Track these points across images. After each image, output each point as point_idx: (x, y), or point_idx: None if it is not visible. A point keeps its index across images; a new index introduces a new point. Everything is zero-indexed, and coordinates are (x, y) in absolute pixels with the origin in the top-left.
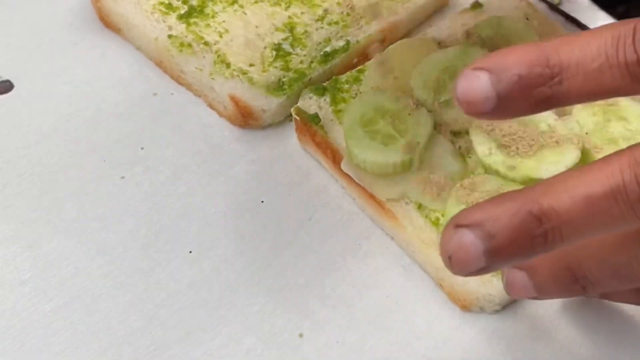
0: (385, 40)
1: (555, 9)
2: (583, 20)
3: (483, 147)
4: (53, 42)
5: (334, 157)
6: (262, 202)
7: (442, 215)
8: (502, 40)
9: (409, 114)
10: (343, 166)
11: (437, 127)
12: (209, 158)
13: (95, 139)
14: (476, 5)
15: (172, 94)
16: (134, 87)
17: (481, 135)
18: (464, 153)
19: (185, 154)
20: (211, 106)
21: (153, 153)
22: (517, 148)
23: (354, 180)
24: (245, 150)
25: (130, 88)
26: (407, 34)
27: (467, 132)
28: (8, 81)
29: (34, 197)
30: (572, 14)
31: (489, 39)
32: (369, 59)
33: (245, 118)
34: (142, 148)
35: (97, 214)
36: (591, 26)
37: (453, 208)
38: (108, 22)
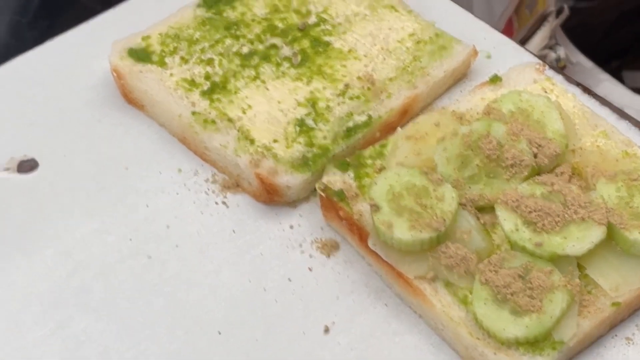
0: (406, 113)
1: (569, 79)
2: (587, 82)
3: (509, 223)
4: (77, 119)
5: (360, 234)
6: (290, 280)
7: (470, 293)
8: (522, 114)
9: (434, 190)
10: (370, 243)
11: (461, 202)
12: (235, 235)
13: (120, 216)
14: (495, 79)
15: (197, 170)
16: (158, 163)
17: (507, 212)
18: (489, 229)
19: (210, 230)
20: (236, 182)
21: (179, 231)
22: (544, 224)
23: (381, 257)
24: (270, 227)
25: (154, 164)
26: (427, 107)
27: (492, 208)
28: (33, 159)
29: (61, 278)
30: (577, 76)
31: (510, 114)
32: (391, 133)
33: (270, 195)
34: (167, 227)
35: (125, 294)
36: (597, 89)
37: (480, 288)
38: (131, 99)
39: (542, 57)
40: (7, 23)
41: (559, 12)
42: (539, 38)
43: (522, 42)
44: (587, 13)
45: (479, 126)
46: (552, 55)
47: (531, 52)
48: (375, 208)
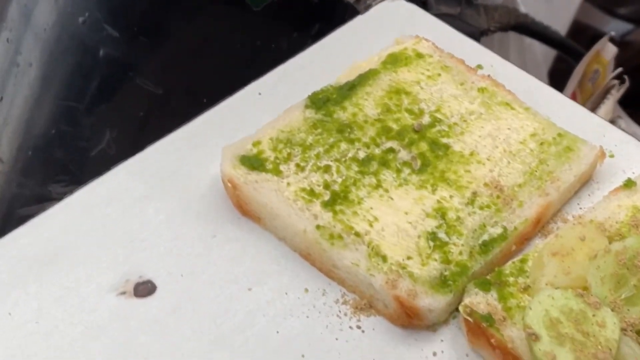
0: (539, 222)
1: None
2: None
3: None
4: (190, 234)
5: None
6: None
7: None
8: None
9: (593, 315)
10: None
11: (621, 327)
12: None
13: (250, 347)
14: (630, 184)
15: (325, 290)
16: (283, 283)
17: None
18: None
19: (350, 359)
20: (369, 303)
21: None
22: None
23: None
24: (413, 354)
25: (279, 285)
26: (557, 214)
27: None
28: (150, 282)
29: None
30: None
31: None
32: (525, 245)
33: (410, 318)
34: (302, 356)
35: None
36: None
37: None
38: (246, 211)
39: None
40: (61, 110)
41: (621, 82)
42: (603, 112)
43: None
44: None
45: (633, 242)
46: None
47: (617, 126)
48: (534, 337)
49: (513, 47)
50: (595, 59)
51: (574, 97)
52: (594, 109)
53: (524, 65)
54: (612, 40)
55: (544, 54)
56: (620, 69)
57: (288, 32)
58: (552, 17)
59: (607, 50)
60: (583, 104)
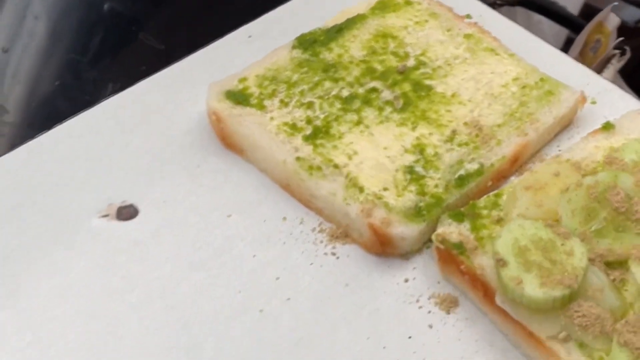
0: (517, 161)
1: None
2: None
3: None
4: (175, 164)
5: (485, 289)
6: (410, 338)
7: (606, 355)
8: None
9: (562, 244)
10: (498, 300)
11: (589, 257)
12: (349, 289)
13: (227, 270)
14: (608, 126)
15: (302, 219)
16: (262, 212)
17: None
18: (619, 286)
19: (322, 283)
20: (345, 232)
21: (289, 284)
22: None
23: (508, 315)
24: (385, 280)
25: (258, 213)
26: (536, 154)
27: (620, 264)
28: (132, 206)
29: (170, 335)
30: None
31: (633, 163)
32: (502, 182)
33: (383, 246)
34: (277, 278)
35: (239, 352)
36: None
37: (618, 350)
38: (230, 143)
39: None
40: (65, 62)
41: (622, 54)
42: None
43: None
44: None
45: (605, 177)
46: None
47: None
48: (502, 263)
49: (520, 22)
50: (597, 29)
51: None
52: None
53: None
54: (615, 10)
55: (555, 34)
56: (621, 38)
57: None
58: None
59: (610, 20)
60: None
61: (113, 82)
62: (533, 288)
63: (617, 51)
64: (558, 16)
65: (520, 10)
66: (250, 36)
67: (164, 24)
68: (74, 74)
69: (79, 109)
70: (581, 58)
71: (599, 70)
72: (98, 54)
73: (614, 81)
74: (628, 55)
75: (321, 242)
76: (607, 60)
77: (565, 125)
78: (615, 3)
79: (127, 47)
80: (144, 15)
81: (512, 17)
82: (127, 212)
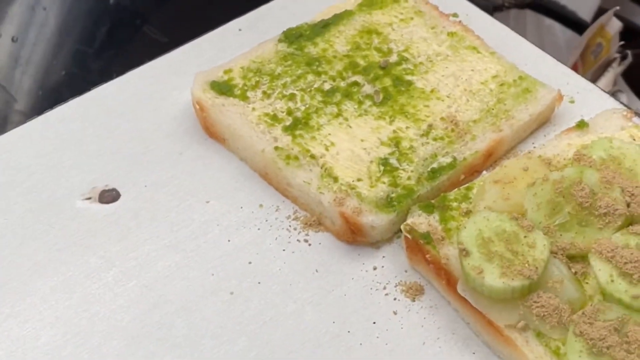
0: (491, 156)
1: None
2: None
3: (604, 274)
4: (158, 151)
5: (448, 278)
6: (374, 323)
7: (563, 345)
8: (614, 162)
9: (525, 236)
10: (459, 289)
11: (551, 250)
12: (318, 275)
13: (202, 252)
14: (582, 124)
15: (278, 206)
16: (240, 199)
17: (602, 262)
18: (580, 279)
19: (293, 268)
20: (318, 220)
21: (261, 268)
22: None
23: (470, 304)
24: (353, 267)
25: (235, 200)
26: (511, 150)
27: (583, 257)
28: (115, 190)
29: (143, 312)
30: None
31: (601, 161)
32: (475, 176)
33: (354, 234)
34: (249, 262)
35: (209, 331)
36: None
37: (574, 340)
38: (212, 132)
39: None
40: (72, 53)
41: (622, 58)
42: (602, 84)
43: None
44: None
45: (571, 172)
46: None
47: (617, 99)
48: (465, 253)
49: (530, 25)
50: (599, 33)
51: (575, 68)
52: (594, 80)
53: (541, 46)
54: (617, 15)
55: (568, 38)
56: (621, 43)
57: None
58: (576, 1)
59: (612, 25)
60: (584, 75)
61: (117, 73)
62: (493, 278)
63: (617, 55)
64: (567, 19)
65: (530, 14)
66: (240, 29)
67: (167, 17)
68: (80, 65)
69: None
70: (582, 61)
71: (598, 74)
72: (104, 45)
73: (615, 85)
74: (629, 59)
75: (295, 229)
76: (608, 64)
77: (542, 122)
78: (618, 7)
79: (131, 39)
80: (148, 8)
81: (522, 21)
82: (109, 196)
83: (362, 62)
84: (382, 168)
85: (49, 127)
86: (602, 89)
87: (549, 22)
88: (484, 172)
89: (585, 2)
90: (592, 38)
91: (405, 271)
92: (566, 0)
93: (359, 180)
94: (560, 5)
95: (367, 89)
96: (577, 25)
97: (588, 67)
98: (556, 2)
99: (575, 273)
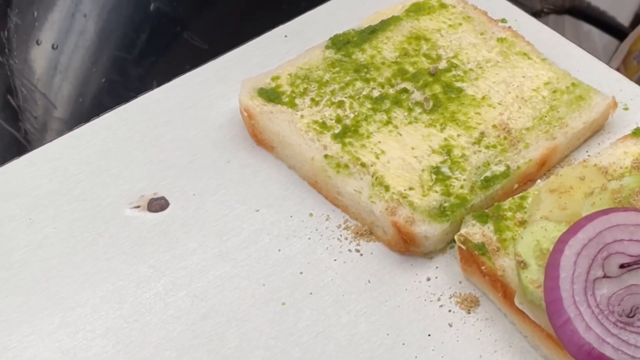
0: (544, 165)
1: None
2: None
3: None
4: (205, 159)
5: (505, 290)
6: (429, 335)
7: None
8: None
9: None
10: (517, 302)
11: None
12: (370, 285)
13: (252, 262)
14: (638, 132)
15: (328, 215)
16: (289, 207)
17: None
18: None
19: (345, 279)
20: (369, 230)
21: (312, 278)
22: None
23: (527, 317)
24: (407, 278)
25: (285, 208)
26: (564, 159)
27: None
28: (163, 198)
29: (195, 323)
30: None
31: None
32: (529, 185)
33: (407, 244)
34: (301, 273)
35: (261, 342)
36: None
37: None
38: (260, 140)
39: None
40: (112, 60)
41: None
42: None
43: None
44: None
45: (630, 181)
46: None
47: None
48: (523, 265)
49: (569, 31)
50: None
51: None
52: None
53: None
54: None
55: (605, 44)
56: None
57: None
58: (615, 6)
59: None
60: None
61: (157, 80)
62: None
63: None
64: (606, 25)
65: (568, 19)
66: (286, 36)
67: (208, 24)
68: (120, 72)
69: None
70: (624, 67)
71: None
72: (144, 52)
73: None
74: None
75: (346, 238)
76: None
77: (596, 130)
78: None
79: (172, 46)
80: (188, 15)
81: (560, 26)
82: (157, 204)
83: (410, 69)
84: (434, 177)
85: (95, 135)
86: None
87: (587, 27)
88: (538, 180)
89: (624, 7)
90: (633, 44)
91: (460, 282)
92: (606, 6)
93: (410, 189)
94: (600, 11)
95: (417, 96)
96: (614, 30)
97: (631, 72)
98: (596, 8)
99: None
